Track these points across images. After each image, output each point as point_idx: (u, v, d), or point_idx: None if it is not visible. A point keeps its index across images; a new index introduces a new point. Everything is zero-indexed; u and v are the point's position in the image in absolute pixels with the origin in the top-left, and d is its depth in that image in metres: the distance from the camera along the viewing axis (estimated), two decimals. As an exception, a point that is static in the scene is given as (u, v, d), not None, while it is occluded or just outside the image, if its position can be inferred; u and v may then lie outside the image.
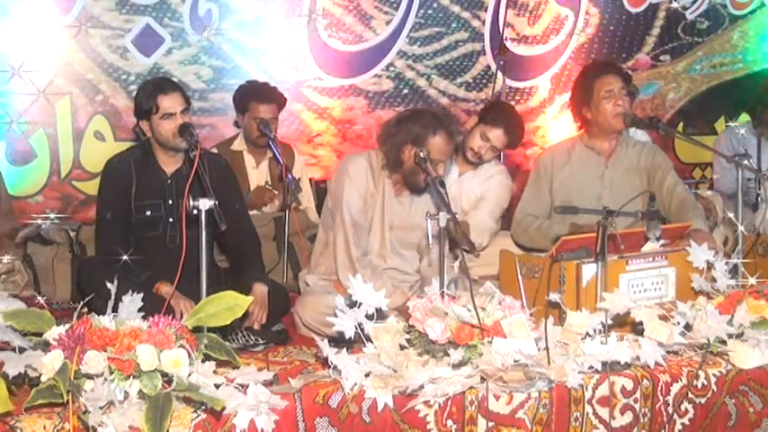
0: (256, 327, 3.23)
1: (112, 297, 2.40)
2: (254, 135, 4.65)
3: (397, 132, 3.47)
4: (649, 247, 3.18)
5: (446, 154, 3.47)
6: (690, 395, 2.74)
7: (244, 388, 2.34)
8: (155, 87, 3.39)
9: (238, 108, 4.78)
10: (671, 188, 3.82)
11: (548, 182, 3.90)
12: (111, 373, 2.22)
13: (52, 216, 3.97)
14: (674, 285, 3.15)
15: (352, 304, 2.62)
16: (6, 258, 3.82)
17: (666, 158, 3.96)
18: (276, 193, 4.69)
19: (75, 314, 2.36)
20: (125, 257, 3.31)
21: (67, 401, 2.18)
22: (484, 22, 6.15)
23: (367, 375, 2.49)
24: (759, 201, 4.51)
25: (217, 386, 2.31)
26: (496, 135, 4.19)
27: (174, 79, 4.22)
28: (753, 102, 5.26)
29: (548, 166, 3.93)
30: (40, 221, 4.06)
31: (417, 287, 3.59)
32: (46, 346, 2.29)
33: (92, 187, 4.90)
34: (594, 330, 2.69)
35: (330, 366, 2.50)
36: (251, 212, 4.04)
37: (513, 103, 6.20)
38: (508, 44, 6.05)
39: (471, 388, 2.51)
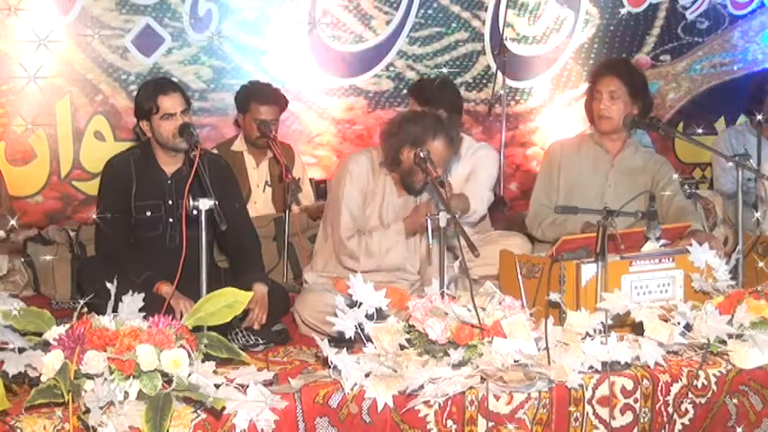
0: (256, 327, 3.23)
1: (112, 297, 2.40)
2: (255, 136, 4.65)
3: (398, 132, 3.47)
4: (649, 247, 3.18)
5: (444, 159, 3.47)
6: (690, 395, 2.74)
7: (244, 388, 2.34)
8: (155, 88, 3.40)
9: (239, 108, 4.78)
10: (670, 198, 3.84)
11: (557, 169, 3.93)
12: (111, 373, 2.22)
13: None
14: (682, 288, 3.14)
15: (352, 304, 2.62)
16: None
17: (672, 169, 3.98)
18: None
19: (75, 314, 2.36)
20: (124, 257, 3.32)
21: (67, 401, 2.18)
22: (484, 22, 6.15)
23: (367, 375, 2.49)
24: (758, 201, 4.51)
25: (217, 386, 2.31)
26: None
27: (174, 79, 4.22)
28: (750, 100, 5.25)
29: (557, 154, 3.97)
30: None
31: (417, 287, 3.59)
32: (46, 346, 2.29)
33: (92, 187, 4.90)
34: (594, 330, 2.69)
35: (330, 366, 2.50)
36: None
37: (513, 103, 6.21)
38: (508, 44, 6.05)
39: (471, 388, 2.51)
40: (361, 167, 3.55)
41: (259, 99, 4.68)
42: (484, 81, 6.17)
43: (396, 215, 3.58)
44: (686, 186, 4.29)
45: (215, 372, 2.36)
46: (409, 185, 3.52)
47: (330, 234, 3.58)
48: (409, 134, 3.43)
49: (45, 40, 5.02)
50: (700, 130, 6.48)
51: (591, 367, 2.64)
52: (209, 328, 2.45)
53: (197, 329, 2.42)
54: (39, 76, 5.02)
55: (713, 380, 2.77)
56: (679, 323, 2.80)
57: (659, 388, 2.71)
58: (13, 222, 3.65)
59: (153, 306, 2.66)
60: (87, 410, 2.20)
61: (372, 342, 2.59)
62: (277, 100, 4.76)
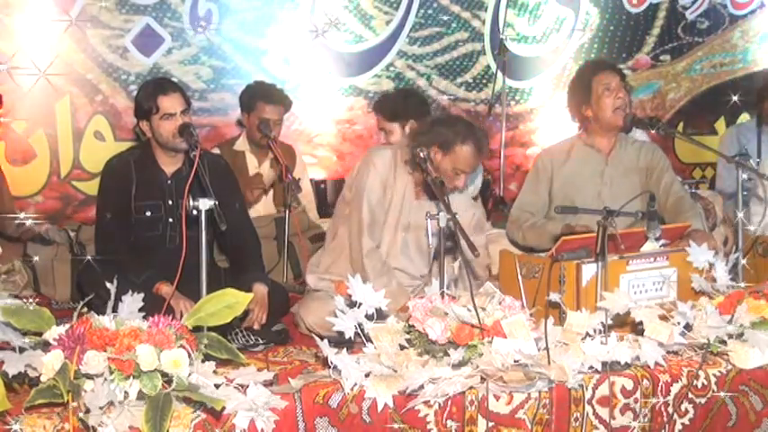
0: (256, 327, 3.23)
1: (112, 297, 2.40)
2: (258, 135, 4.65)
3: (428, 132, 3.46)
4: (649, 247, 3.18)
5: (470, 166, 3.43)
6: (690, 395, 2.74)
7: (244, 388, 2.34)
8: (155, 88, 3.39)
9: (244, 107, 4.77)
10: (667, 186, 3.82)
11: (547, 182, 3.90)
12: (111, 373, 2.22)
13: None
14: (676, 286, 3.14)
15: (352, 304, 2.62)
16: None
17: (664, 156, 3.96)
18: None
19: (75, 314, 2.36)
20: (124, 257, 3.32)
21: (67, 401, 2.18)
22: (484, 22, 6.16)
23: (367, 375, 2.49)
24: (752, 200, 4.51)
25: (217, 386, 2.32)
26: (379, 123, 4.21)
27: (174, 79, 4.23)
28: (756, 98, 5.25)
29: (547, 167, 3.92)
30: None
31: (419, 291, 3.57)
32: (46, 346, 2.29)
33: (92, 187, 4.91)
34: (594, 330, 2.69)
35: (330, 366, 2.50)
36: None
37: (513, 103, 6.21)
38: (508, 44, 6.05)
39: (471, 388, 2.51)
40: (385, 161, 3.53)
41: (265, 98, 4.68)
42: (484, 81, 6.17)
43: (414, 218, 3.53)
44: (686, 186, 4.28)
45: (215, 372, 2.36)
46: (429, 188, 3.50)
47: (340, 233, 3.56)
48: (438, 135, 3.42)
49: (45, 40, 5.02)
50: (699, 131, 6.50)
51: (591, 367, 2.64)
52: (209, 329, 2.45)
53: (197, 329, 2.42)
54: (38, 75, 5.03)
55: (713, 380, 2.77)
56: (679, 323, 2.80)
57: (659, 388, 2.71)
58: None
59: (153, 306, 2.66)
60: (87, 410, 2.20)
61: (372, 342, 2.59)
62: (282, 100, 4.76)
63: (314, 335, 3.29)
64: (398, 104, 4.17)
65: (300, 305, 3.52)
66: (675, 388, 2.73)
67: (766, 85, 5.30)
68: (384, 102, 4.30)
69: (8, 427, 2.19)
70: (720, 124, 6.76)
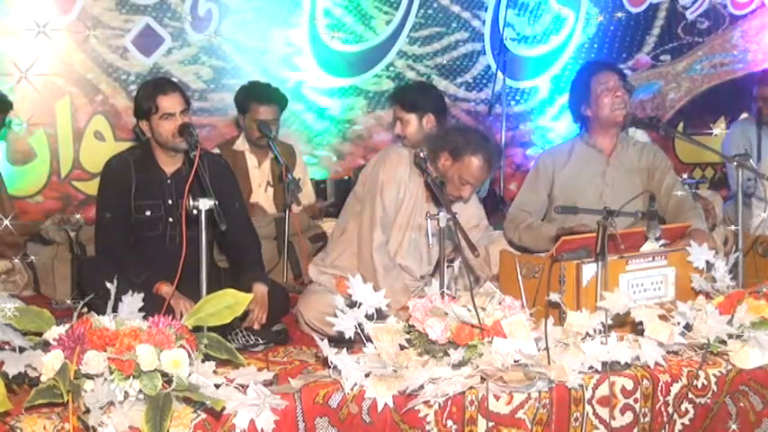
0: (256, 327, 3.23)
1: (112, 297, 2.40)
2: (255, 136, 4.66)
3: (443, 137, 3.47)
4: (649, 246, 3.18)
5: (476, 178, 3.43)
6: (690, 395, 2.74)
7: (244, 388, 2.34)
8: (154, 87, 3.39)
9: (239, 108, 4.78)
10: (669, 187, 3.82)
11: (547, 183, 3.90)
12: (111, 373, 2.22)
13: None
14: (674, 285, 3.15)
15: (352, 304, 2.62)
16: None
17: (666, 158, 3.97)
18: None
19: (75, 314, 2.36)
20: (124, 257, 3.32)
21: (67, 401, 2.18)
22: (484, 22, 6.16)
23: (367, 375, 2.49)
24: (752, 201, 4.52)
25: (217, 386, 2.31)
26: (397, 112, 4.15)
27: (174, 79, 4.23)
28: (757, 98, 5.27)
29: (548, 168, 3.92)
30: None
31: (419, 292, 3.57)
32: (46, 346, 2.29)
33: (92, 187, 4.91)
34: (594, 330, 2.69)
35: (330, 366, 2.50)
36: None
37: (513, 103, 6.21)
38: (508, 44, 6.06)
39: (471, 388, 2.51)
40: (401, 159, 3.53)
41: (258, 99, 4.68)
42: (484, 81, 6.18)
43: (423, 219, 3.53)
44: (686, 186, 4.29)
45: (215, 372, 2.36)
46: (434, 196, 3.49)
47: (350, 228, 3.55)
48: (451, 141, 3.42)
49: (45, 40, 5.02)
50: (699, 131, 6.50)
51: (591, 367, 2.64)
52: (209, 329, 2.45)
53: (197, 330, 2.42)
54: (38, 74, 5.03)
55: (713, 380, 2.77)
56: (679, 323, 2.80)
57: (659, 388, 2.71)
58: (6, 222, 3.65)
59: (153, 306, 2.66)
60: (87, 410, 2.20)
61: (372, 342, 2.59)
62: (276, 99, 4.76)
63: (313, 331, 3.30)
64: (418, 96, 4.14)
65: (299, 300, 3.53)
66: (675, 388, 2.73)
67: (760, 80, 5.33)
68: (403, 92, 4.28)
69: (8, 426, 2.19)
70: (720, 124, 6.76)
